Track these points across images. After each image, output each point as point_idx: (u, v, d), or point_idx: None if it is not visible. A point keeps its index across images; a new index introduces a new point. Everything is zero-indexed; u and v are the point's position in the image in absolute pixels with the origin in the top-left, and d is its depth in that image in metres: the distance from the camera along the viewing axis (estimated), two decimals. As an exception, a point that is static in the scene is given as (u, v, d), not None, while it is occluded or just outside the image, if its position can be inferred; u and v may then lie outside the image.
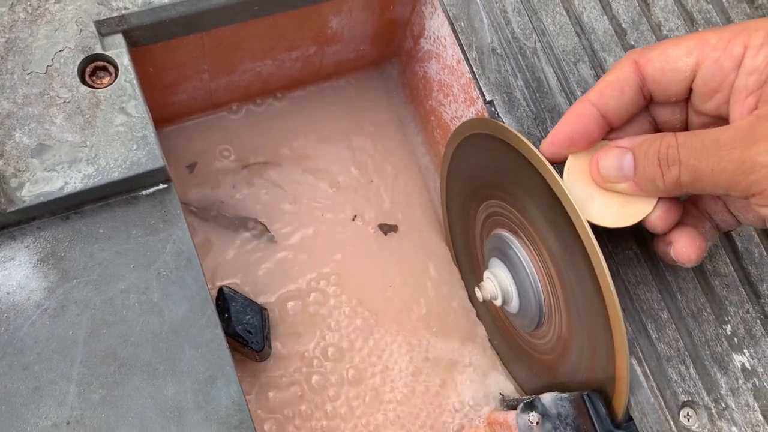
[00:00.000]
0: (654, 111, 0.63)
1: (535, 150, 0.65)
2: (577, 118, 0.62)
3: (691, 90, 0.59)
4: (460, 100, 0.84)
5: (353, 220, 0.96)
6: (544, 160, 0.64)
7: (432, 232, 0.99)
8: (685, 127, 0.63)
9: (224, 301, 0.83)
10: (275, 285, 0.92)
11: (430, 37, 0.87)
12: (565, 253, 0.67)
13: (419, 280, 0.96)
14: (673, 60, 0.58)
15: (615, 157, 0.61)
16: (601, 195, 0.63)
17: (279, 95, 0.99)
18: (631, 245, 0.70)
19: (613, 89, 0.60)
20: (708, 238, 0.64)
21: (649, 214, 0.62)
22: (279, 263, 0.93)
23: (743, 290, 0.70)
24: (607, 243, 0.70)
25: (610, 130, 0.64)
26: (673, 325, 0.68)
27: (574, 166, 0.64)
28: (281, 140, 0.98)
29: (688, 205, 0.65)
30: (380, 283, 0.95)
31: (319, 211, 0.96)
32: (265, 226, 0.93)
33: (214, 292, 0.85)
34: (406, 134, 1.02)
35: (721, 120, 0.59)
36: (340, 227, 0.96)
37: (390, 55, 1.01)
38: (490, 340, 0.95)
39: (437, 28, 0.84)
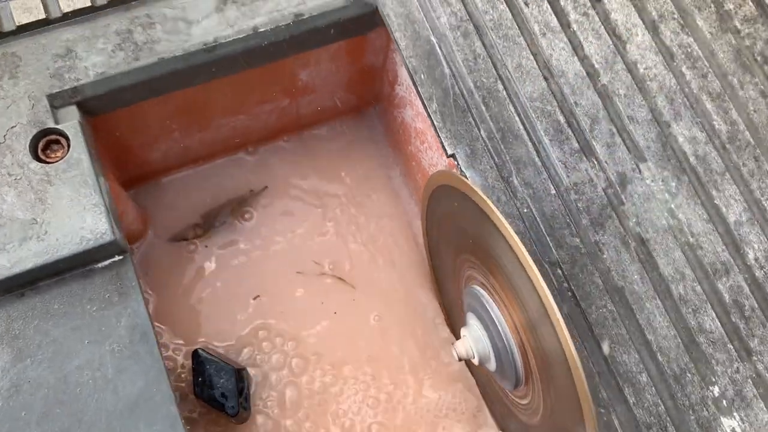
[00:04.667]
0: None
1: (495, 210, 0.62)
2: None
3: None
4: (434, 148, 0.81)
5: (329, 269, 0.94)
6: (503, 219, 0.61)
7: (418, 281, 0.96)
8: None
9: (199, 365, 0.82)
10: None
11: (403, 84, 0.85)
12: (532, 315, 0.63)
13: (407, 331, 0.93)
14: None
15: None
16: None
17: (256, 147, 0.97)
18: (605, 303, 0.66)
19: None
20: None
21: None
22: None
23: (732, 347, 0.65)
24: (580, 302, 0.66)
25: None
26: (654, 389, 0.64)
27: None
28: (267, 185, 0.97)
29: None
30: (366, 333, 0.92)
31: (301, 258, 0.94)
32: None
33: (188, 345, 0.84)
34: (391, 178, 1.00)
35: None
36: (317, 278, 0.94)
37: (371, 100, 0.99)
38: (482, 395, 0.91)
39: (406, 76, 0.81)
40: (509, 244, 0.61)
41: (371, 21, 0.78)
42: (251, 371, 0.87)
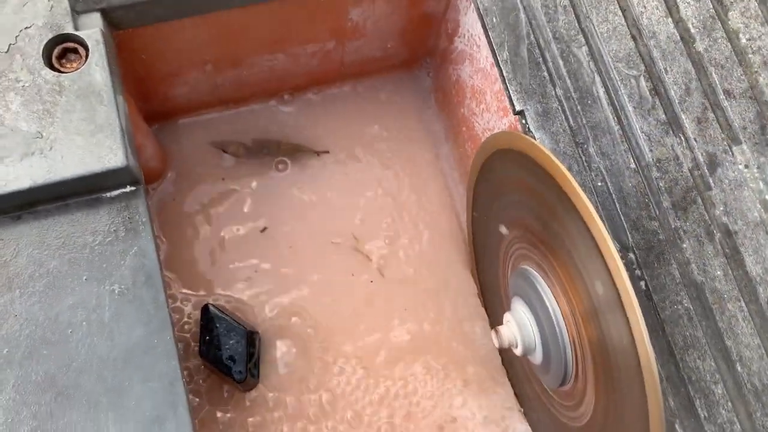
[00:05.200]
0: None
1: (568, 175, 0.53)
2: None
3: None
4: (492, 110, 0.72)
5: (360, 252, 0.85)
6: (577, 187, 0.52)
7: (455, 259, 0.87)
8: None
9: (208, 321, 0.74)
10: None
11: (465, 36, 0.76)
12: (597, 302, 0.55)
13: (438, 314, 0.84)
14: None
15: None
16: None
17: (292, 95, 0.89)
18: (681, 299, 0.57)
19: None
20: None
21: None
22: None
23: (824, 365, 0.56)
24: (652, 294, 0.57)
25: None
26: (729, 404, 0.55)
27: None
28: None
29: None
30: (392, 315, 0.84)
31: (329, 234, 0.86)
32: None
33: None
34: (436, 146, 0.91)
35: None
36: (348, 254, 0.85)
37: (423, 56, 0.90)
38: (515, 393, 0.82)
39: (471, 25, 0.72)
40: (584, 221, 0.52)
41: (439, -43, 0.69)
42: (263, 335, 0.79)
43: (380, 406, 0.78)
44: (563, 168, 0.53)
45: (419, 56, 0.90)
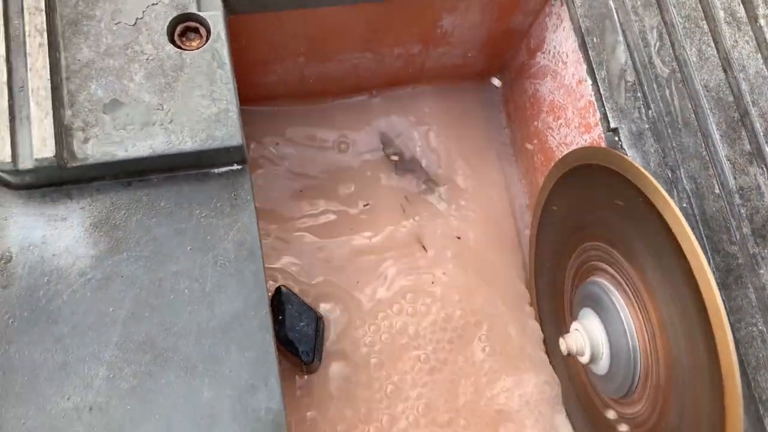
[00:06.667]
0: None
1: (665, 194, 0.55)
2: None
3: None
4: (572, 125, 0.75)
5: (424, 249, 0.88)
6: (674, 206, 0.55)
7: (512, 270, 0.89)
8: None
9: (280, 303, 0.76)
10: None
11: (549, 52, 0.79)
12: (678, 315, 0.57)
13: (490, 321, 0.86)
14: None
15: None
16: None
17: (374, 93, 0.92)
18: (756, 321, 0.60)
19: None
20: None
21: None
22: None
23: None
24: (729, 315, 0.59)
25: None
26: (796, 425, 0.57)
27: None
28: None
29: None
30: (440, 316, 0.86)
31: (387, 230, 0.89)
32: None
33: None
34: (500, 156, 0.94)
35: None
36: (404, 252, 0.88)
37: (499, 68, 0.93)
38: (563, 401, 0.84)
39: (560, 42, 0.75)
40: (680, 242, 0.54)
41: (540, -26, 0.72)
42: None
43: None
44: (660, 187, 0.56)
45: (495, 67, 0.93)
